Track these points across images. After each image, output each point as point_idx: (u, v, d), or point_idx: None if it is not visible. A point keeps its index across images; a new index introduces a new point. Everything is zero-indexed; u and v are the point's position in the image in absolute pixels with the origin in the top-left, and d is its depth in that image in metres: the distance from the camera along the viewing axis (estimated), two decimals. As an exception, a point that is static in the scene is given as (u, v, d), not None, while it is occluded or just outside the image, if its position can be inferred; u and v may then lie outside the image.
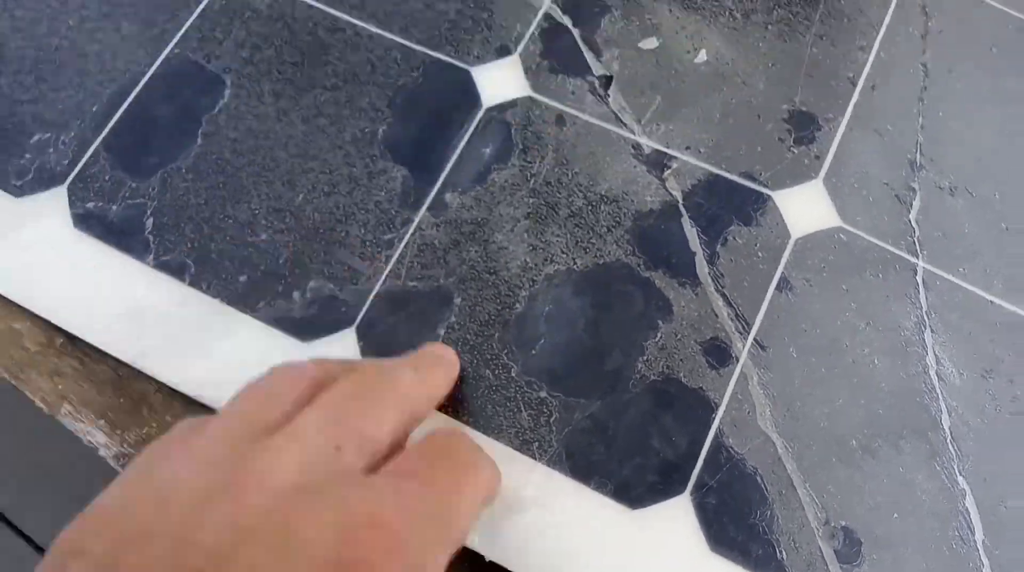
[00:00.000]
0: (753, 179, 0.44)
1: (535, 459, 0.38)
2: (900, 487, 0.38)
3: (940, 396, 0.39)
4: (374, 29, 0.49)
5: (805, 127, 0.45)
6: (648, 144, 0.45)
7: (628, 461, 0.38)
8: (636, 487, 0.38)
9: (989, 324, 0.41)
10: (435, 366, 0.37)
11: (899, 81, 0.47)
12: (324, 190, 0.44)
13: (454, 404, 0.39)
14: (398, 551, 0.26)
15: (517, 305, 0.42)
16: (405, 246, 0.43)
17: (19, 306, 0.41)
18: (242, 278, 0.42)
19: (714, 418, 0.39)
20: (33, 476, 0.80)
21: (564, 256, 0.43)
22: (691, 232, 0.43)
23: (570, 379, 0.40)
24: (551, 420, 0.39)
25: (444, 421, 0.39)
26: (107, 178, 0.44)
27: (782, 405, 0.39)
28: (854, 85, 0.46)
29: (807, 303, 0.41)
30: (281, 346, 0.41)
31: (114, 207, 0.44)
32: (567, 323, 0.41)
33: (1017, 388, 0.40)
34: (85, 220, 0.43)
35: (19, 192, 0.44)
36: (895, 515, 0.38)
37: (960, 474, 0.38)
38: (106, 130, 0.45)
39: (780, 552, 0.37)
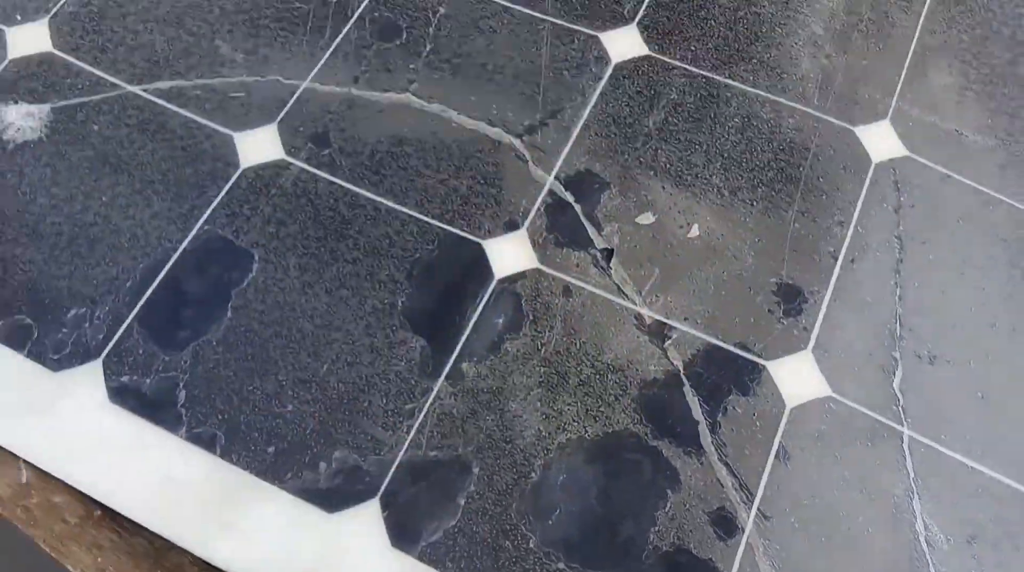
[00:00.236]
0: (748, 349, 0.47)
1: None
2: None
3: (930, 563, 0.42)
4: (391, 204, 0.52)
5: (792, 300, 0.49)
6: (649, 315, 0.49)
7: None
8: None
9: (972, 490, 0.44)
10: None
11: (876, 254, 0.51)
12: (347, 360, 0.47)
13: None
14: None
15: (533, 474, 0.44)
16: (425, 416, 0.46)
17: (58, 480, 0.43)
18: (270, 449, 0.45)
19: (722, 586, 0.41)
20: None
21: (575, 425, 0.45)
22: (693, 401, 0.46)
23: (586, 549, 0.42)
24: (569, 590, 0.41)
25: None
26: (140, 352, 0.47)
27: None
28: (835, 259, 0.51)
29: (804, 472, 0.44)
30: (308, 518, 0.43)
31: (148, 380, 0.46)
32: (581, 492, 0.44)
33: (1001, 553, 0.43)
34: (120, 393, 0.46)
35: (57, 366, 0.46)
36: None
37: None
38: (139, 305, 0.48)
39: None
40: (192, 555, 0.42)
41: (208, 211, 0.51)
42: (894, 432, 0.46)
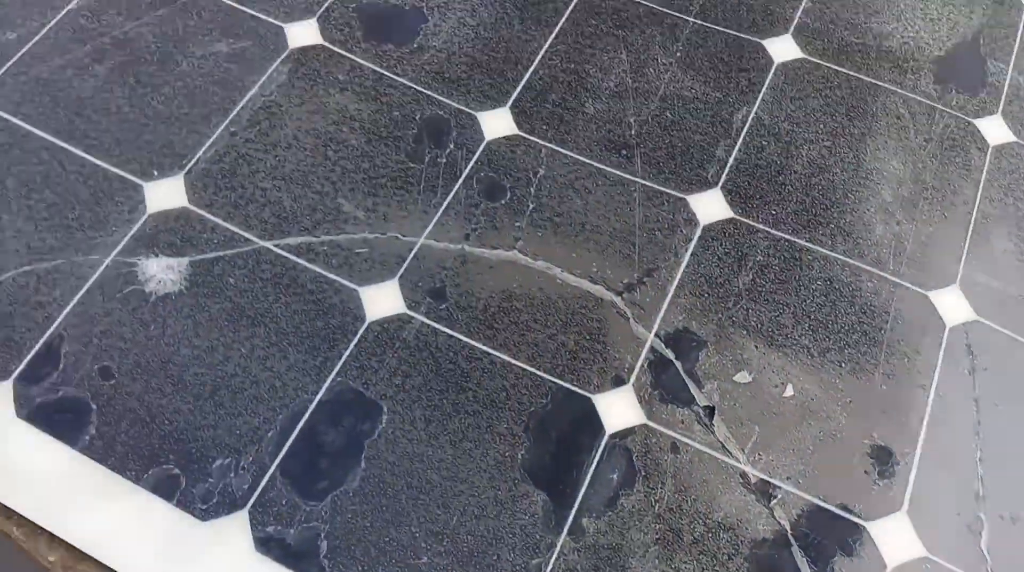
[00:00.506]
0: (849, 511, 0.51)
1: None
2: None
3: None
4: (506, 357, 0.56)
5: (885, 461, 0.53)
6: (754, 473, 0.52)
7: None
8: None
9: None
10: None
11: (956, 416, 0.55)
12: (474, 513, 0.51)
13: None
14: None
15: (655, 629, 0.47)
16: (551, 571, 0.49)
17: (212, 631, 0.46)
18: (408, 600, 0.48)
19: None
20: None
21: (691, 581, 0.49)
22: (802, 562, 0.49)
23: None
24: None
25: None
26: (284, 502, 0.50)
27: None
28: (921, 421, 0.55)
29: (909, 632, 0.48)
30: (450, 670, 0.46)
31: (291, 531, 0.49)
32: (703, 649, 0.47)
33: None
34: (265, 543, 0.49)
35: (204, 516, 0.49)
36: None
37: None
38: (281, 455, 0.52)
39: None
40: None
41: (339, 363, 0.55)
42: (989, 594, 0.49)
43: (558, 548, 0.49)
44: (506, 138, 0.66)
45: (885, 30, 0.74)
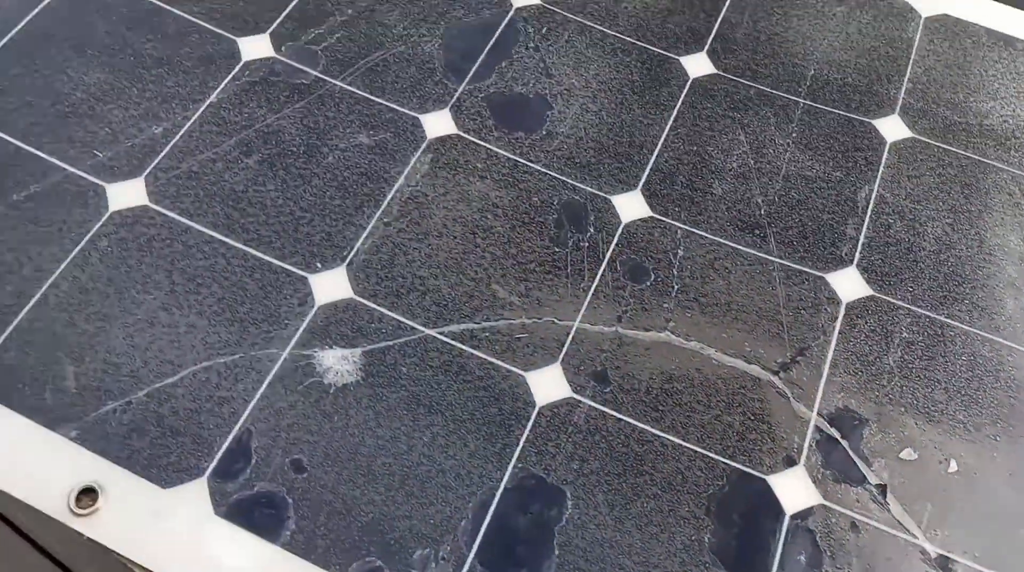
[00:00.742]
0: (1034, 585, 0.53)
1: None
2: None
3: None
4: (676, 440, 0.58)
5: (1060, 534, 0.55)
6: (933, 550, 0.54)
7: None
8: None
9: None
10: None
11: (1118, 488, 0.57)
12: (671, 598, 0.52)
13: None
14: None
15: None
16: (756, 653, 0.50)
17: None
18: None
19: None
20: None
21: (893, 661, 0.50)
22: (999, 639, 0.50)
23: None
24: None
25: None
26: (488, 592, 0.51)
27: None
28: (1086, 494, 0.57)
29: None
30: None
31: (500, 621, 0.50)
32: None
33: None
34: (477, 635, 0.49)
35: (412, 607, 0.50)
36: None
37: None
38: (476, 544, 0.53)
39: None
40: None
41: (517, 449, 0.56)
42: None
43: (760, 631, 0.50)
44: (642, 220, 0.68)
45: (984, 108, 0.78)
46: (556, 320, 0.62)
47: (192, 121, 0.68)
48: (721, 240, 0.67)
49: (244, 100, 0.70)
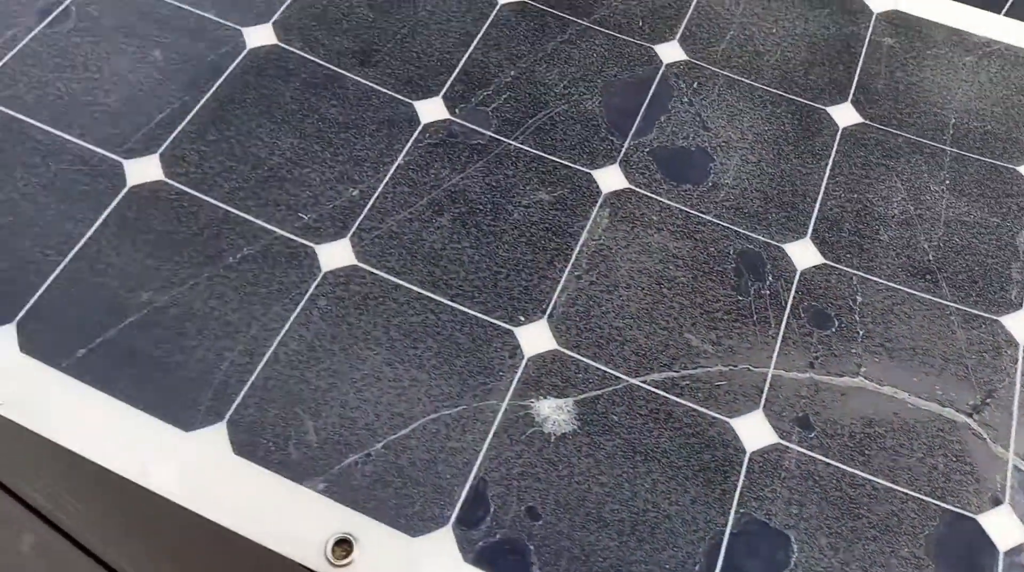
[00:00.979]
0: None
1: None
2: None
3: None
4: (886, 483, 0.60)
5: None
6: None
7: None
8: None
9: None
10: None
11: None
12: (907, 637, 0.53)
13: None
14: None
15: None
16: None
17: None
18: None
19: None
20: None
21: None
22: None
23: None
24: None
25: None
26: (733, 634, 0.53)
27: None
28: None
29: None
30: None
31: (749, 662, 0.52)
32: None
33: None
34: None
35: (663, 650, 0.52)
36: None
37: None
38: (714, 587, 0.55)
39: None
40: None
41: (736, 495, 0.59)
42: None
43: (999, 669, 0.52)
44: (816, 267, 0.71)
45: None
46: (751, 367, 0.65)
47: (385, 182, 0.72)
48: (896, 285, 0.70)
49: (429, 161, 0.74)
